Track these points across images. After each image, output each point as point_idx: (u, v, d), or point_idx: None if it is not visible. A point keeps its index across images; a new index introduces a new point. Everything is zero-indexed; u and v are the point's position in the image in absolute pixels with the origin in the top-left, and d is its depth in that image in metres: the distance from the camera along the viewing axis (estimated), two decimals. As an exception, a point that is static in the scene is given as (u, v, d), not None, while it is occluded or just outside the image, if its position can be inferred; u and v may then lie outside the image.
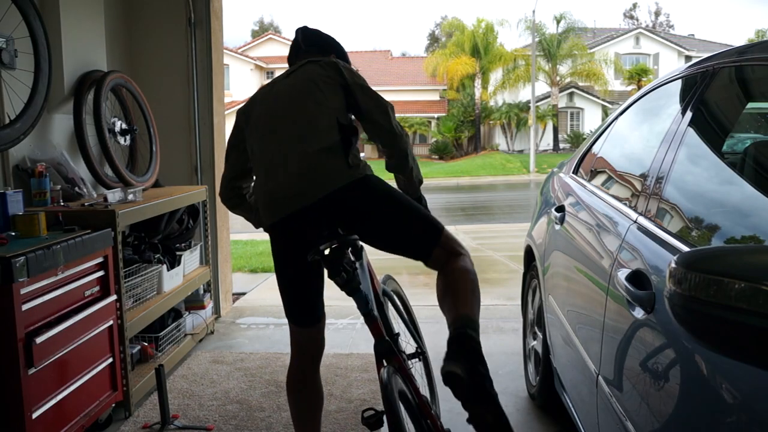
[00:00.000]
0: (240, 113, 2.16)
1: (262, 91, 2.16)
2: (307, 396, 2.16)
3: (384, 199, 1.95)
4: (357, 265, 1.91)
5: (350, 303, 5.19)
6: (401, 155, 2.11)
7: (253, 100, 2.16)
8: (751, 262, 0.87)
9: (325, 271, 1.94)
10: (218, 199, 4.43)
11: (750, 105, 1.60)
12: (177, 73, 4.33)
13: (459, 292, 1.87)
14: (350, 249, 1.89)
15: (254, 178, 2.14)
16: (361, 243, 2.01)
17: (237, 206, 2.28)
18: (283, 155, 1.95)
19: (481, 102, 30.56)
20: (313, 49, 2.27)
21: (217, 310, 4.43)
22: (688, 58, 31.36)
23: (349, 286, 1.87)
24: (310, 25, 2.36)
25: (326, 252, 1.85)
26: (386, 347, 1.91)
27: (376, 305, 2.03)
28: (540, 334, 2.81)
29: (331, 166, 1.91)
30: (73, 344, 2.48)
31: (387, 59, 37.43)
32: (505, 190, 19.37)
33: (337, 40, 2.34)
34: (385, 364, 1.89)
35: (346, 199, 1.90)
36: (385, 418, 1.72)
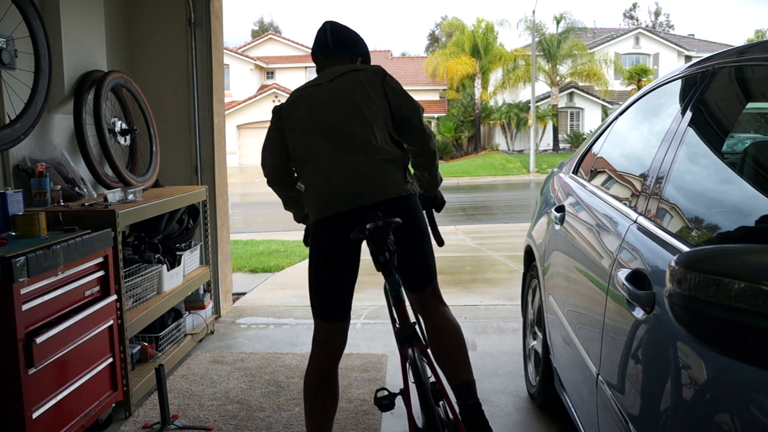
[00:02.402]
0: (276, 115, 2.24)
1: (304, 94, 2.23)
2: (326, 399, 2.18)
3: (418, 223, 2.14)
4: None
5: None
6: (431, 153, 2.25)
7: (293, 104, 2.22)
8: (751, 262, 0.87)
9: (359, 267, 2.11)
10: (218, 199, 4.46)
11: (750, 105, 1.60)
12: (177, 73, 4.33)
13: (458, 354, 2.12)
14: (391, 232, 1.96)
15: (298, 175, 2.26)
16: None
17: (284, 189, 2.34)
18: (343, 159, 2.08)
19: (481, 102, 30.56)
20: (342, 50, 2.34)
21: (217, 310, 4.43)
22: (688, 58, 31.36)
23: (388, 267, 1.94)
24: (333, 20, 2.43)
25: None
26: (411, 330, 1.98)
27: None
28: (540, 334, 2.81)
29: (391, 177, 2.09)
30: (73, 344, 2.48)
31: (387, 59, 37.39)
32: (505, 190, 19.37)
33: (361, 37, 2.41)
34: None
35: (394, 210, 2.04)
36: (398, 399, 1.95)
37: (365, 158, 2.07)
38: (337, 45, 2.34)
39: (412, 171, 2.30)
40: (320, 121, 2.13)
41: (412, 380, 1.93)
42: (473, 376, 2.14)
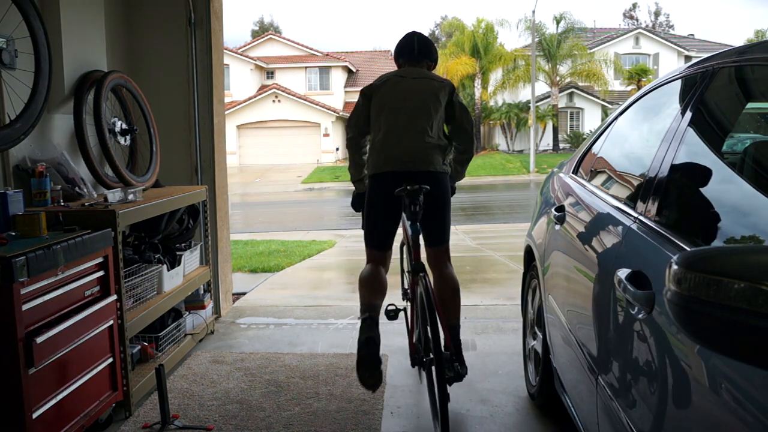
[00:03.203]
0: (365, 95, 3.00)
1: (390, 79, 2.98)
2: (377, 284, 2.86)
3: (444, 196, 2.88)
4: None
5: (350, 304, 5.23)
6: (471, 155, 3.07)
7: (381, 83, 2.98)
8: (751, 262, 0.87)
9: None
10: (218, 199, 4.46)
11: (750, 105, 1.60)
12: (177, 73, 4.33)
13: (455, 304, 2.87)
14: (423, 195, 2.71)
15: (372, 133, 2.99)
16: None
17: (357, 153, 3.09)
18: (408, 134, 2.84)
19: (481, 102, 30.57)
20: (423, 58, 3.09)
21: (217, 310, 4.43)
22: (687, 58, 31.37)
23: (415, 216, 2.69)
24: (419, 31, 3.17)
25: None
26: (421, 266, 2.72)
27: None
28: (540, 334, 2.81)
29: (435, 158, 2.85)
30: (73, 344, 2.48)
31: (387, 59, 37.35)
32: (505, 190, 19.38)
33: (436, 48, 3.19)
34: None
35: (429, 180, 2.77)
36: (403, 312, 3.08)
37: (421, 140, 2.83)
38: (420, 53, 3.07)
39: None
40: (399, 104, 2.89)
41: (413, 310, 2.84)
42: (459, 320, 2.88)
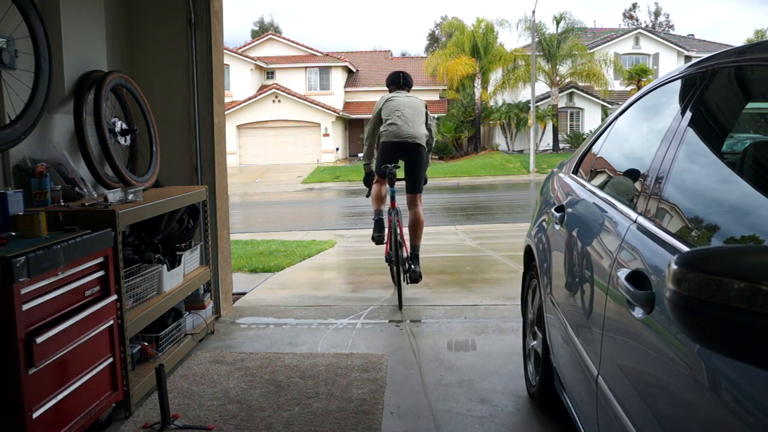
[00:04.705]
0: (377, 110, 4.91)
1: (391, 98, 4.91)
2: (380, 198, 4.98)
3: (419, 161, 4.81)
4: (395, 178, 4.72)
5: (350, 304, 5.23)
6: (433, 142, 5.08)
7: (387, 101, 4.89)
8: (751, 262, 0.87)
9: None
10: (218, 199, 4.47)
11: (750, 105, 1.60)
12: (177, 73, 4.33)
13: (416, 233, 4.85)
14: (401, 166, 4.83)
15: (381, 127, 4.88)
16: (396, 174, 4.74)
17: (370, 150, 5.12)
18: (405, 126, 4.72)
19: (481, 102, 30.56)
20: (407, 85, 5.09)
21: (217, 310, 4.43)
22: (687, 58, 31.37)
23: (392, 179, 4.66)
24: (403, 70, 5.70)
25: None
26: (397, 211, 4.73)
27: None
28: (540, 334, 2.81)
29: (420, 138, 4.77)
30: (73, 344, 2.48)
31: (387, 59, 37.42)
32: (505, 190, 19.38)
33: (413, 80, 5.39)
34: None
35: (413, 149, 4.75)
36: (385, 235, 4.87)
37: (413, 129, 4.75)
38: (404, 83, 5.09)
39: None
40: (399, 111, 4.76)
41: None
42: (420, 242, 4.92)
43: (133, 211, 3.02)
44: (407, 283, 4.80)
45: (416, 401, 3.05)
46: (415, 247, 4.84)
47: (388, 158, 4.70)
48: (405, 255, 4.77)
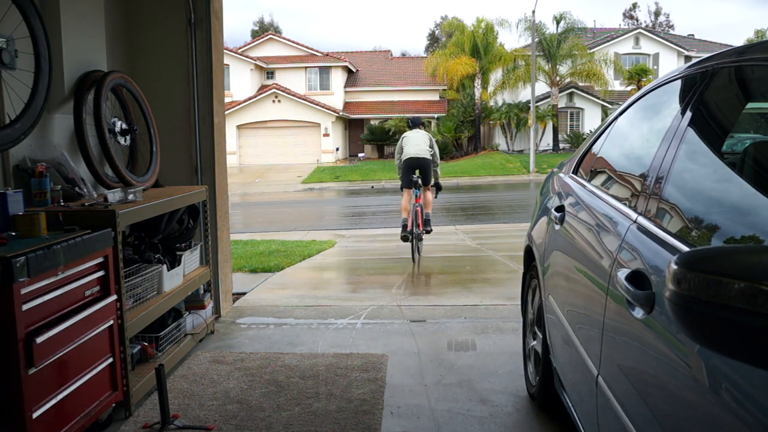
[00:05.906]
0: (400, 141, 7.29)
1: (408, 134, 7.31)
2: (407, 208, 6.99)
3: (428, 170, 7.14)
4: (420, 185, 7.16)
5: (351, 303, 5.22)
6: (438, 164, 7.34)
7: (406, 136, 7.29)
8: (751, 262, 0.87)
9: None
10: (218, 199, 4.47)
11: (750, 105, 1.60)
12: (177, 73, 4.33)
13: (427, 204, 7.28)
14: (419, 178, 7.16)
15: (402, 153, 7.17)
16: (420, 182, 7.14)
17: (398, 163, 7.22)
18: (417, 151, 7.05)
19: (481, 102, 30.55)
20: (419, 125, 7.58)
21: (217, 310, 4.43)
22: (687, 58, 31.36)
23: (417, 187, 7.10)
24: (418, 115, 10.08)
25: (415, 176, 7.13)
26: (420, 205, 7.16)
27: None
28: (540, 334, 2.81)
29: (428, 158, 7.13)
30: (73, 344, 2.48)
31: (387, 59, 37.42)
32: (505, 190, 19.37)
33: (423, 121, 10.53)
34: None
35: (424, 162, 7.10)
36: (407, 230, 6.94)
37: (424, 152, 7.06)
38: (416, 124, 7.54)
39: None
40: (414, 143, 7.10)
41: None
42: (430, 214, 7.27)
43: (133, 211, 3.02)
44: (421, 245, 7.08)
45: (416, 401, 3.05)
46: (426, 214, 7.14)
47: (409, 170, 7.04)
48: (418, 231, 6.90)
